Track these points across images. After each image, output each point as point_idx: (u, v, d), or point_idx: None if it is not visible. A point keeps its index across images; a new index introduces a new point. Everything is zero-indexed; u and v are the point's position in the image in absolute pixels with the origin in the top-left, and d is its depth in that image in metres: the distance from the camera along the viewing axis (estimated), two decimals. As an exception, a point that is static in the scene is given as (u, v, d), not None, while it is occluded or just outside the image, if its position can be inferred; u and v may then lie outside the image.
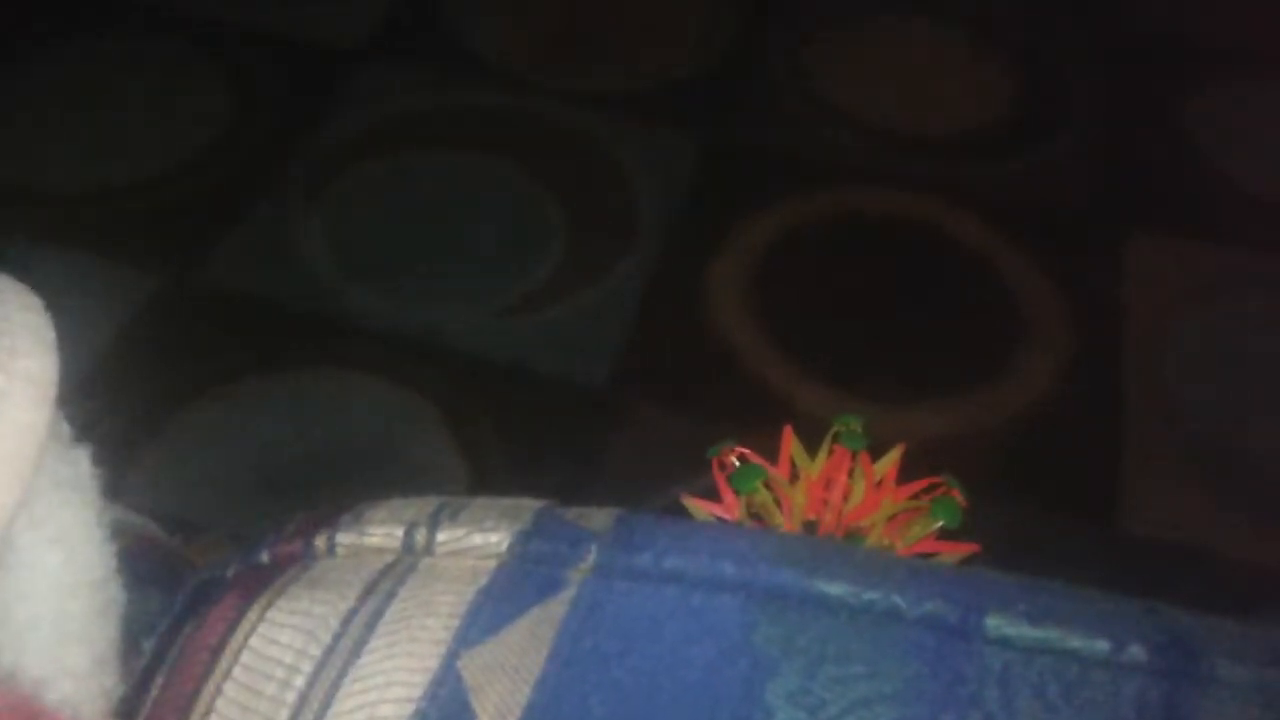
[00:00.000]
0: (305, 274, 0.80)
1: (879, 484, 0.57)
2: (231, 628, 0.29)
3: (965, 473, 0.74)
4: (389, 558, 0.31)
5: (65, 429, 0.29)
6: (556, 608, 0.29)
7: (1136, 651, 0.29)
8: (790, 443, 0.59)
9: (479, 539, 0.31)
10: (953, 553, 0.57)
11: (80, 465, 0.28)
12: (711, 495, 0.61)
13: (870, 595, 0.30)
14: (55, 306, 0.76)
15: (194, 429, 0.70)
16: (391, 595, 0.29)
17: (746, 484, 0.54)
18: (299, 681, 0.27)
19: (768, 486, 0.57)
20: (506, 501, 0.34)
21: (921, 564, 0.36)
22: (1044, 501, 0.68)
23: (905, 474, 0.60)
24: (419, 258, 0.82)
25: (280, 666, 0.27)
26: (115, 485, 0.64)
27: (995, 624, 0.30)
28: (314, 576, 0.30)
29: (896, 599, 0.30)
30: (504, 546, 0.31)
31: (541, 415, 0.73)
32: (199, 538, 0.38)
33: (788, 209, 0.87)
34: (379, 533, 0.31)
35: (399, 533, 0.31)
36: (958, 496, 0.58)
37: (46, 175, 0.85)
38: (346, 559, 0.31)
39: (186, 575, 0.32)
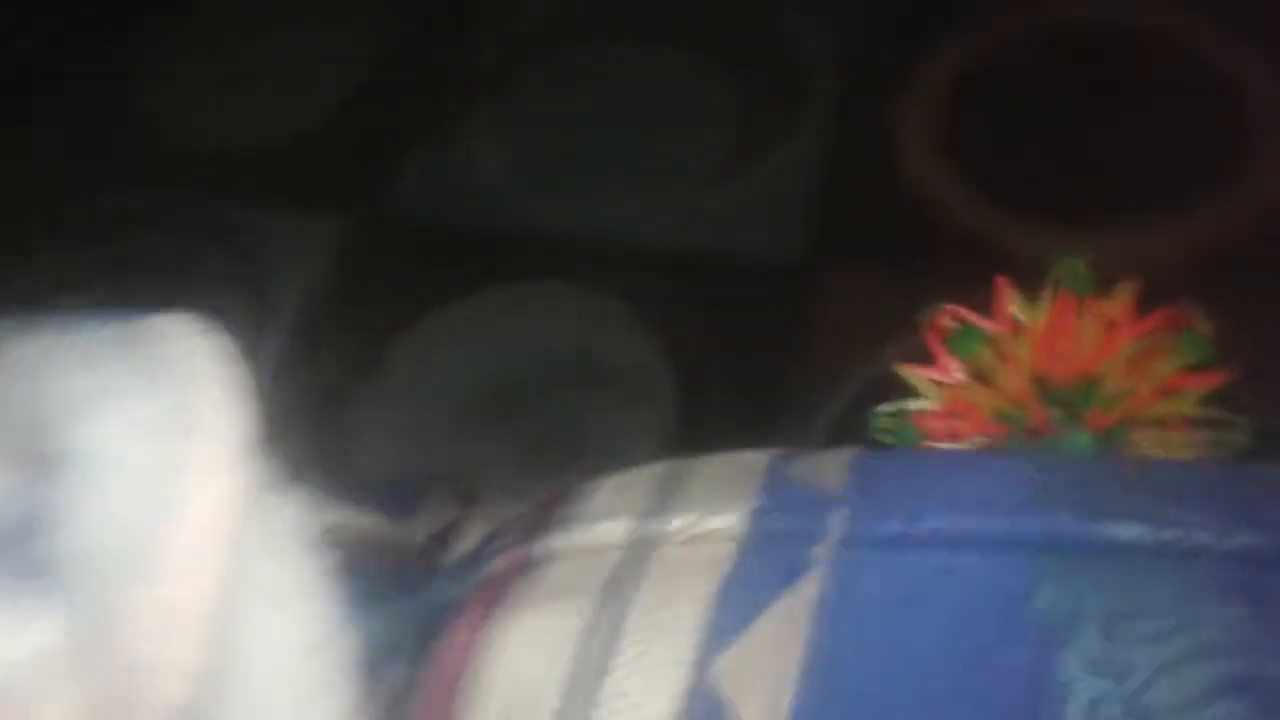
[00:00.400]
0: (485, 191, 0.80)
1: (1112, 326, 0.53)
2: (470, 655, 0.28)
3: (1210, 294, 0.68)
4: (619, 556, 0.29)
5: (266, 477, 0.27)
6: (808, 590, 0.26)
7: None
8: (1006, 294, 0.55)
9: (714, 522, 0.29)
10: (1207, 384, 0.53)
11: (286, 514, 0.27)
12: (925, 360, 0.58)
13: (1169, 533, 0.26)
14: (254, 263, 0.79)
15: (401, 365, 0.72)
16: (629, 601, 0.27)
17: (966, 346, 0.51)
18: (552, 702, 0.26)
19: (989, 346, 0.53)
20: (731, 464, 0.32)
21: (1220, 479, 0.31)
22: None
23: (1142, 309, 0.55)
24: (594, 156, 0.81)
25: (529, 690, 0.26)
26: (340, 454, 0.66)
27: None
28: (547, 587, 0.29)
29: (1200, 534, 0.26)
30: (740, 529, 0.28)
31: (738, 299, 0.71)
32: (426, 502, 0.38)
33: (970, 32, 0.80)
34: (604, 528, 0.30)
35: (624, 526, 0.30)
36: (1201, 326, 0.53)
37: (215, 132, 0.87)
38: (575, 562, 0.29)
39: (421, 582, 0.31)
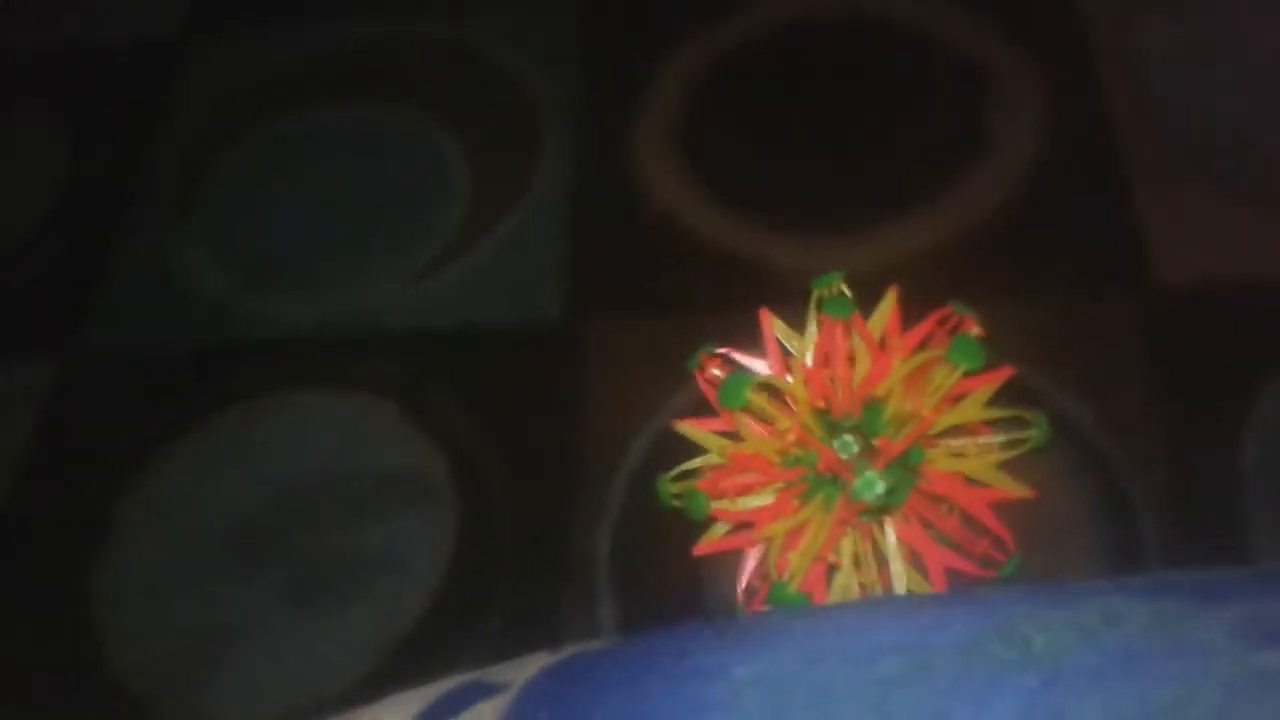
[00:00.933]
0: (204, 302, 0.72)
1: (882, 342, 0.50)
2: None
3: (972, 279, 0.66)
4: None
5: None
6: None
7: None
8: (771, 328, 0.52)
9: None
10: (988, 387, 0.50)
11: None
12: (705, 409, 0.54)
13: None
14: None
15: (141, 520, 0.63)
16: None
17: (736, 396, 0.47)
18: None
19: (763, 389, 0.49)
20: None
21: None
22: (1067, 279, 0.61)
23: (910, 309, 0.53)
24: (316, 243, 0.74)
25: None
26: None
27: None
28: None
29: None
30: None
31: (503, 369, 0.65)
32: None
33: (693, 47, 0.77)
34: None
35: None
36: (971, 326, 0.50)
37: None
38: None
39: None
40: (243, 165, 0.76)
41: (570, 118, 0.74)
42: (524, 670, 0.33)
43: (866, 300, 0.53)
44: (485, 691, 0.32)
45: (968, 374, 0.48)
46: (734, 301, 0.59)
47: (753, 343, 0.53)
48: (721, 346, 0.52)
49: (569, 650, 0.36)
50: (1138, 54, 0.69)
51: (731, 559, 0.51)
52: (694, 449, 0.53)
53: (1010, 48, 0.71)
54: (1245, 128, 0.65)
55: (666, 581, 0.54)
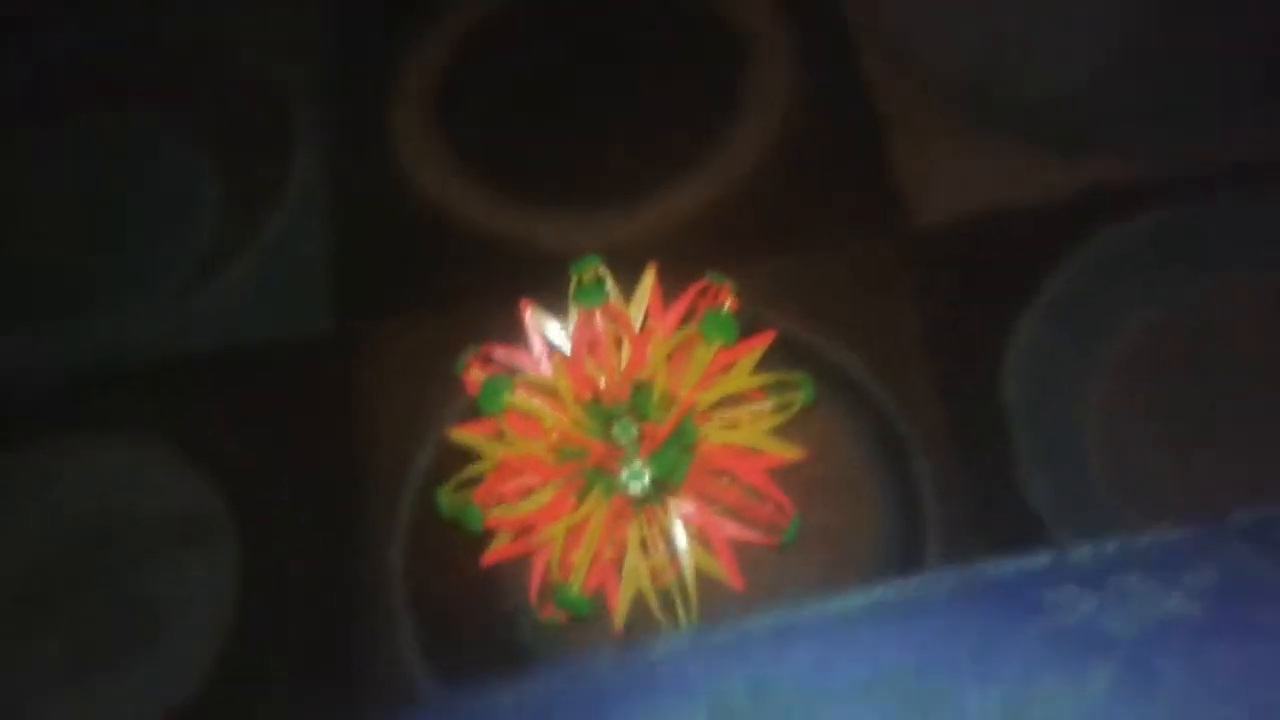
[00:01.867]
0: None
1: (643, 325, 0.49)
2: None
3: (733, 244, 0.66)
4: None
5: None
6: None
7: None
8: (532, 321, 0.51)
9: None
10: (749, 355, 0.50)
11: None
12: (476, 414, 0.52)
13: None
14: None
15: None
16: None
17: (494, 403, 0.46)
18: None
19: (530, 386, 0.48)
20: None
21: None
22: (826, 235, 0.61)
23: (672, 279, 0.52)
24: (61, 274, 0.69)
25: None
26: None
27: None
28: None
29: None
30: None
31: (275, 388, 0.62)
32: None
33: (442, 25, 0.74)
34: None
35: None
36: (725, 298, 0.50)
37: None
38: None
39: None
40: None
41: (322, 112, 0.71)
42: None
43: (631, 274, 0.52)
44: None
45: (724, 347, 0.48)
46: (505, 291, 0.58)
47: (520, 337, 0.52)
48: (486, 344, 0.51)
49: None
50: (884, 8, 0.70)
51: (525, 563, 0.50)
52: (471, 457, 0.52)
53: (761, 11, 0.71)
54: (982, 65, 0.67)
55: (463, 595, 0.53)
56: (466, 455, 0.52)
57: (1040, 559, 0.33)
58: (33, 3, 0.81)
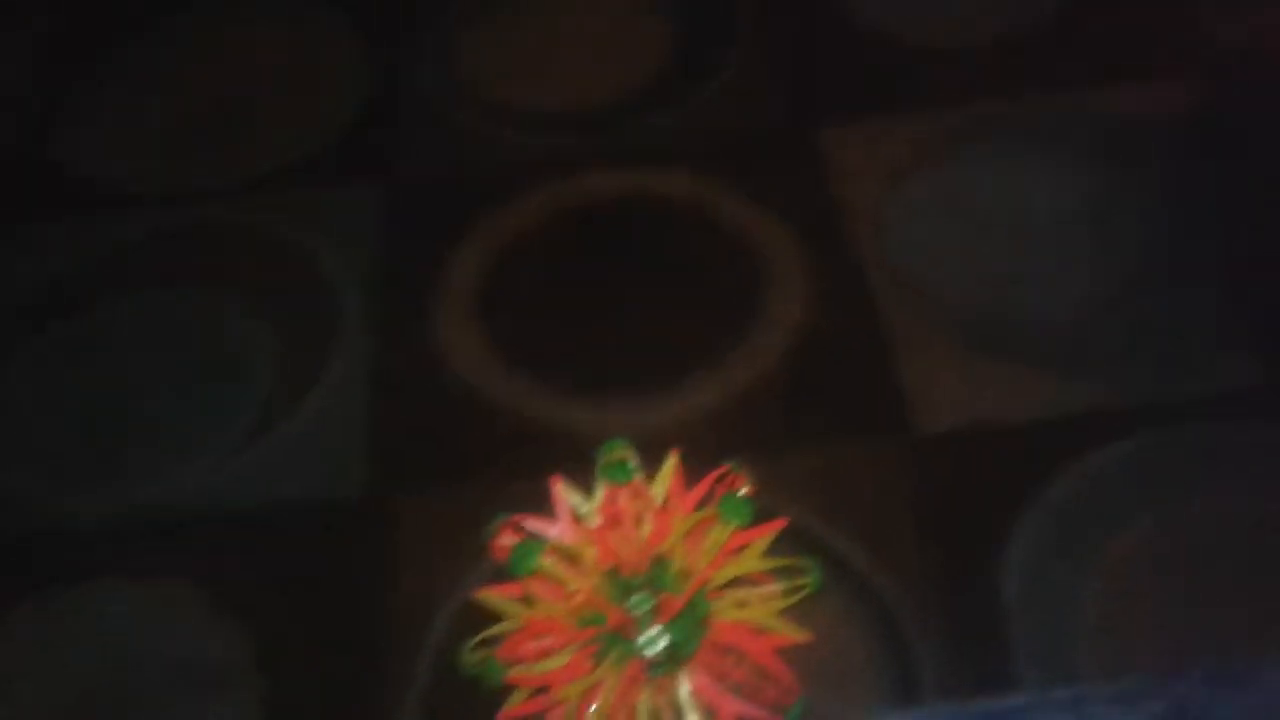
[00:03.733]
0: (8, 497, 0.71)
1: (665, 504, 0.53)
2: None
3: (748, 437, 0.71)
4: None
5: None
6: None
7: None
8: (562, 494, 0.54)
9: None
10: (763, 539, 0.54)
11: None
12: (506, 575, 0.56)
13: None
14: None
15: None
16: None
17: (525, 564, 0.49)
18: None
19: (555, 554, 0.52)
20: None
21: None
22: (835, 433, 0.66)
23: (692, 466, 0.56)
24: (118, 432, 0.73)
25: None
26: None
27: None
28: None
29: None
30: None
31: (306, 552, 0.66)
32: None
33: (488, 229, 0.81)
34: None
35: None
36: (742, 484, 0.54)
37: None
38: None
39: None
40: (40, 354, 0.75)
41: (368, 296, 0.77)
42: None
43: (654, 460, 0.57)
44: None
45: (740, 529, 0.52)
46: (534, 467, 0.62)
47: (550, 510, 0.56)
48: (516, 514, 0.55)
49: None
50: (889, 229, 0.77)
51: (538, 722, 0.52)
52: (495, 618, 0.55)
53: (772, 220, 0.78)
54: (987, 292, 0.73)
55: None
56: (486, 617, 0.55)
57: (1025, 697, 0.36)
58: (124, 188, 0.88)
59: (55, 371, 0.75)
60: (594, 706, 0.48)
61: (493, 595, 0.54)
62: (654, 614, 0.50)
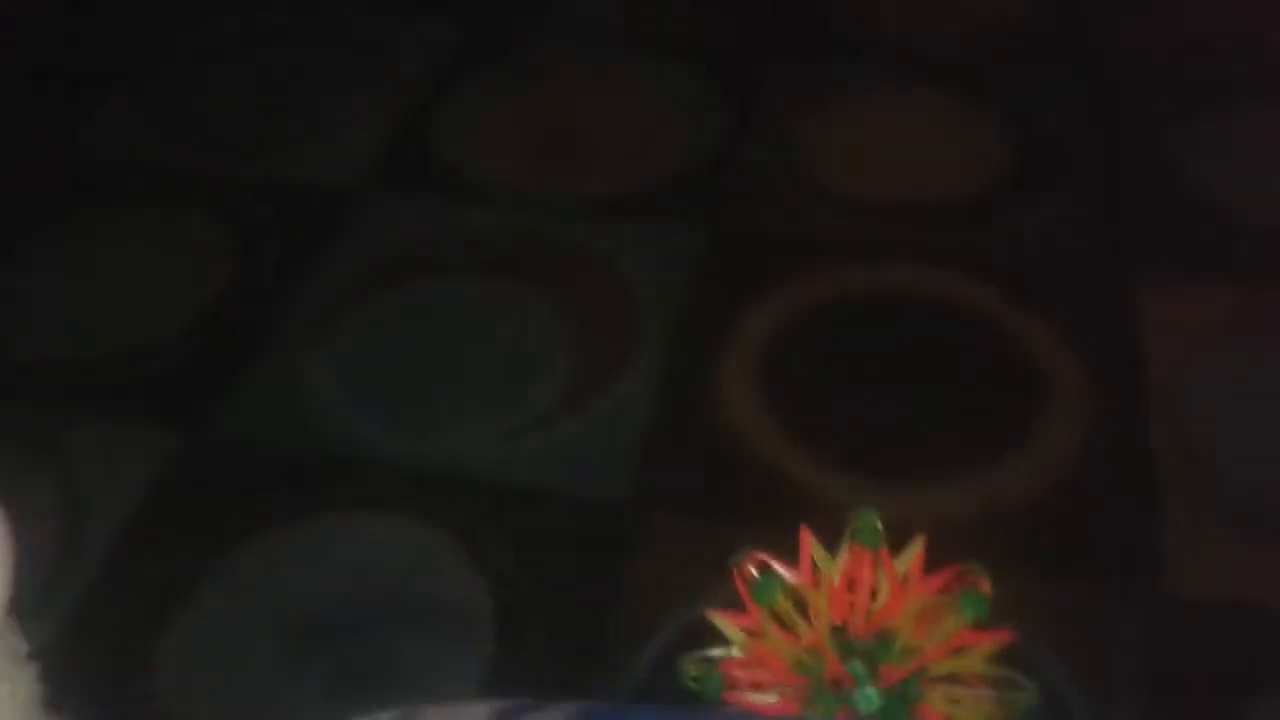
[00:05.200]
0: (318, 417, 0.81)
1: (904, 580, 0.56)
2: None
3: (995, 552, 0.72)
4: None
5: (18, 644, 0.31)
6: None
7: None
8: (809, 544, 0.58)
9: None
10: (992, 643, 0.55)
11: (25, 679, 0.31)
12: (736, 605, 0.59)
13: None
14: (76, 475, 0.77)
15: (217, 594, 0.70)
16: None
17: (767, 595, 0.53)
18: None
19: (789, 595, 0.55)
20: (457, 714, 0.36)
21: None
22: (1082, 575, 0.66)
23: (932, 558, 0.58)
24: (428, 388, 0.82)
25: None
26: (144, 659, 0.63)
27: None
28: None
29: None
30: None
31: (561, 535, 0.72)
32: None
33: (791, 296, 0.86)
34: None
35: None
36: (984, 586, 0.56)
37: (62, 348, 0.87)
38: None
39: None
40: (380, 311, 0.86)
41: (668, 328, 0.84)
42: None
43: (894, 546, 0.59)
44: None
45: (973, 625, 0.54)
46: (779, 518, 0.66)
47: (789, 558, 0.59)
48: (762, 552, 0.59)
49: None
50: (1186, 390, 0.77)
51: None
52: (717, 640, 0.59)
53: (1067, 353, 0.79)
54: (1270, 474, 0.71)
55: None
56: (706, 639, 0.59)
57: None
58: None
59: (389, 326, 0.86)
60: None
61: (724, 619, 0.58)
62: (871, 679, 0.52)
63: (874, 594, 0.56)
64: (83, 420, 0.79)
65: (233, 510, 0.74)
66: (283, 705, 0.65)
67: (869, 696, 0.50)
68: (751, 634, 0.56)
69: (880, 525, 0.57)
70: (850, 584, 0.56)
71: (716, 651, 0.57)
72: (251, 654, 0.66)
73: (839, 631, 0.55)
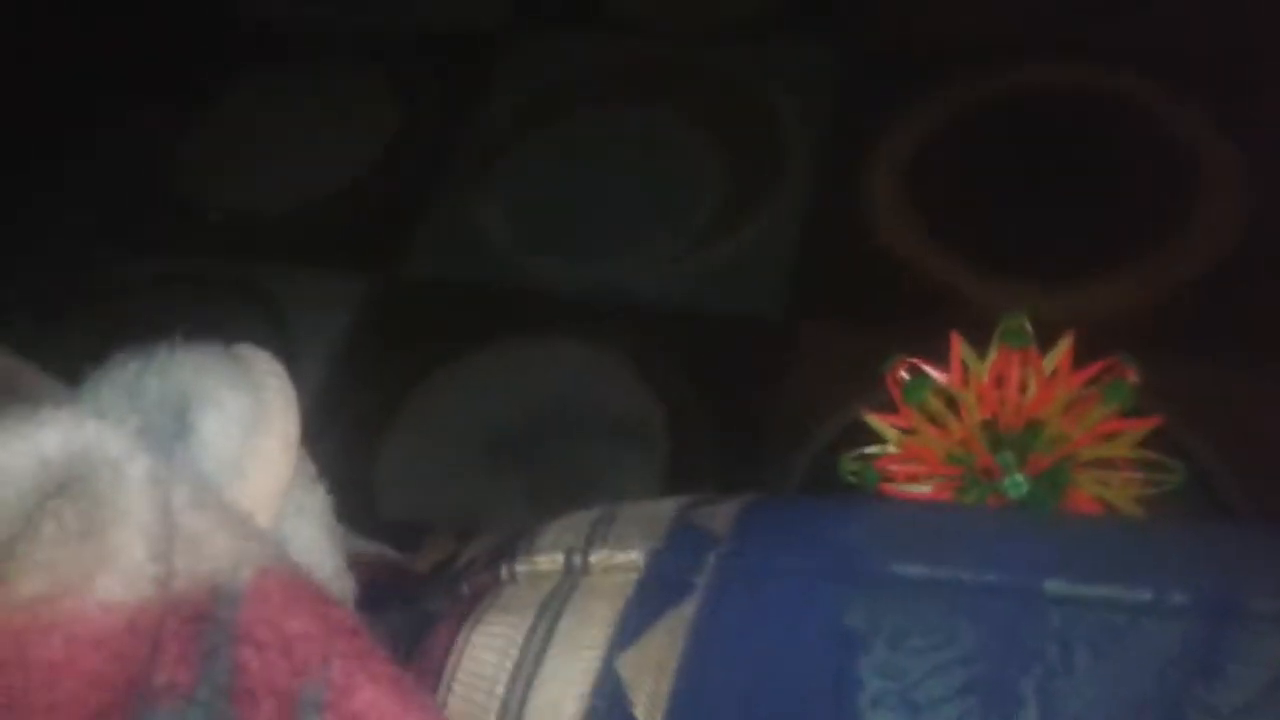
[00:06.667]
0: (492, 251, 0.87)
1: (1052, 374, 0.59)
2: (448, 652, 0.37)
3: (1147, 343, 0.73)
4: (556, 580, 0.38)
5: (309, 467, 0.36)
6: (687, 609, 0.36)
7: (1179, 598, 0.34)
8: (958, 347, 0.61)
9: (622, 558, 0.38)
10: (1140, 428, 0.58)
11: (318, 495, 0.36)
12: (890, 408, 0.63)
13: (940, 573, 0.36)
14: (284, 322, 0.86)
15: (421, 416, 0.78)
16: (560, 613, 0.36)
17: (917, 394, 0.57)
18: (500, 689, 0.35)
19: (941, 393, 0.59)
20: (647, 510, 0.40)
21: (994, 532, 0.40)
22: (1235, 360, 0.67)
23: (1086, 354, 0.61)
24: (589, 219, 0.87)
25: (484, 679, 0.35)
26: (363, 480, 0.72)
27: (1052, 586, 0.35)
28: (503, 602, 0.38)
29: (962, 575, 0.36)
30: (642, 563, 0.38)
31: (723, 351, 0.77)
32: (430, 539, 0.45)
33: (934, 103, 0.87)
34: (545, 559, 0.39)
35: (560, 558, 0.38)
36: (1132, 376, 0.58)
37: (257, 201, 0.94)
38: (525, 584, 0.38)
39: (416, 597, 0.39)
40: (542, 145, 0.90)
41: (815, 146, 0.86)
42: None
43: (1045, 344, 0.62)
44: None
45: (1123, 415, 0.57)
46: (931, 326, 0.69)
47: (940, 363, 0.63)
48: (913, 356, 0.62)
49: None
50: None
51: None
52: (873, 440, 0.63)
53: (1230, 148, 0.78)
54: None
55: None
56: (863, 440, 0.63)
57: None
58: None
59: (553, 158, 0.90)
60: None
61: (878, 419, 0.62)
62: (1020, 467, 0.56)
63: (1023, 390, 0.59)
64: (288, 265, 0.87)
65: (424, 343, 0.82)
66: (488, 511, 0.73)
67: (1017, 483, 0.54)
68: (905, 432, 0.60)
69: (1029, 326, 0.60)
70: (999, 381, 0.59)
71: (872, 449, 0.62)
72: (455, 466, 0.75)
73: (988, 425, 0.59)
